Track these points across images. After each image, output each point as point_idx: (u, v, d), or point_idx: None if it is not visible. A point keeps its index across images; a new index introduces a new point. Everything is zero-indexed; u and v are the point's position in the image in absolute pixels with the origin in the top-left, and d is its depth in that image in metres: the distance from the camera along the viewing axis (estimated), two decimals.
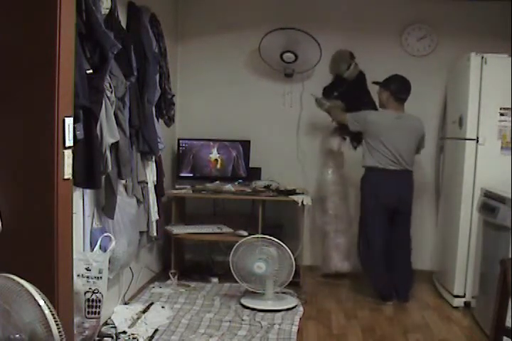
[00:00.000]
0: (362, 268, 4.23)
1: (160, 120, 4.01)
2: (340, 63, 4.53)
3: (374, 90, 4.30)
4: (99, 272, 2.82)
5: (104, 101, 2.82)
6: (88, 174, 2.70)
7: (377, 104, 4.25)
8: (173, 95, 4.11)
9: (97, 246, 2.97)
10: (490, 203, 3.51)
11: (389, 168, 3.98)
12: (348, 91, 4.52)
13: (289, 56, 4.47)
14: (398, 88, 4.02)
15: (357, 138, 4.59)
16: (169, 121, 4.20)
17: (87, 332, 2.83)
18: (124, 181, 3.32)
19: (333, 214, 4.54)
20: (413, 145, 4.08)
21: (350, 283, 4.46)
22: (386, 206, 3.99)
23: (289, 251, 3.73)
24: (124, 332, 3.17)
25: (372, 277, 4.13)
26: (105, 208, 3.13)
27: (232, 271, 3.86)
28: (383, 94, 4.08)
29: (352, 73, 4.49)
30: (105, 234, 3.05)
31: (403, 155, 4.00)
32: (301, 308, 3.79)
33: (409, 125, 4.06)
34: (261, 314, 3.63)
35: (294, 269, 3.73)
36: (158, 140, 3.74)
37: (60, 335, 1.78)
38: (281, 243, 3.74)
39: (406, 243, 4.13)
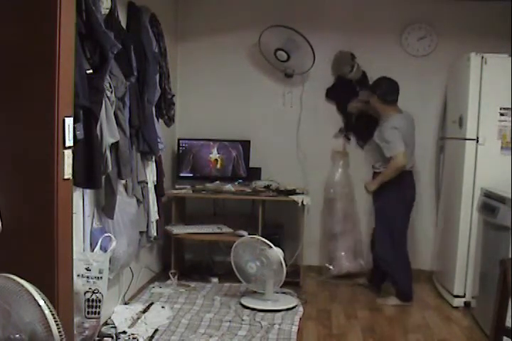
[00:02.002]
0: (388, 270, 4.09)
1: (160, 120, 4.01)
2: (343, 65, 4.52)
3: None
4: (100, 272, 2.82)
5: (104, 101, 2.82)
6: (88, 174, 2.71)
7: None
8: (173, 95, 4.11)
9: (98, 246, 2.97)
10: (490, 203, 3.51)
11: (409, 170, 4.01)
12: (350, 92, 4.53)
13: (281, 54, 4.46)
14: (384, 91, 4.00)
15: (363, 138, 4.60)
16: (169, 121, 4.21)
17: (87, 332, 2.83)
18: (124, 181, 3.32)
19: (342, 215, 4.55)
20: (414, 143, 4.12)
21: (352, 283, 4.45)
22: (409, 206, 4.06)
23: (277, 251, 3.73)
24: (124, 332, 3.17)
25: (400, 278, 4.02)
26: (105, 208, 3.13)
27: (235, 270, 3.89)
28: (372, 100, 4.10)
29: (356, 74, 4.49)
30: (106, 234, 3.05)
31: (413, 155, 4.09)
32: (301, 308, 3.79)
33: (410, 123, 4.10)
34: (261, 314, 3.63)
35: (284, 270, 3.73)
36: (158, 140, 3.74)
37: (60, 335, 1.78)
38: (271, 243, 3.74)
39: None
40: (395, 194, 3.98)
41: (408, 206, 4.07)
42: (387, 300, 4.03)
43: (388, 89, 4.01)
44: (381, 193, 4.04)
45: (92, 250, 2.98)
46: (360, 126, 4.60)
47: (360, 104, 4.42)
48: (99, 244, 2.98)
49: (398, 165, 3.87)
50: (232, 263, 3.91)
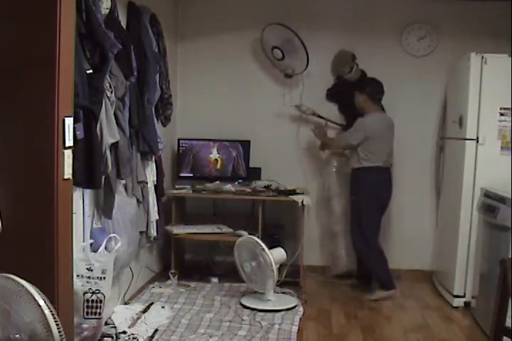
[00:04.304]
0: (365, 263, 4.24)
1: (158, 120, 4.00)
2: (343, 65, 4.53)
3: None
4: (103, 272, 2.81)
5: (104, 101, 2.82)
6: (88, 174, 2.70)
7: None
8: (170, 95, 4.09)
9: (103, 247, 2.96)
10: (490, 203, 3.51)
11: (385, 167, 4.15)
12: (350, 92, 4.52)
13: (277, 53, 4.48)
14: (373, 89, 4.16)
15: None
16: (165, 120, 4.18)
17: (85, 332, 2.82)
18: (123, 181, 3.32)
19: (340, 214, 4.55)
20: (392, 141, 4.27)
21: (350, 283, 4.45)
22: (384, 203, 4.20)
23: (273, 253, 3.73)
24: (124, 332, 3.17)
25: (378, 269, 4.14)
26: (103, 208, 3.13)
27: (238, 269, 3.91)
28: (360, 98, 4.19)
29: (354, 75, 4.49)
30: (112, 235, 3.05)
31: (390, 154, 4.23)
32: (301, 308, 3.79)
33: (391, 124, 4.23)
34: (261, 314, 3.63)
35: (275, 272, 3.71)
36: (159, 140, 3.74)
37: (60, 335, 1.78)
38: (264, 246, 3.73)
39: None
40: (366, 190, 4.11)
41: (380, 202, 4.17)
42: (373, 295, 4.10)
43: (378, 88, 4.17)
44: (355, 188, 4.22)
45: (93, 250, 2.97)
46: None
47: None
48: (103, 244, 2.97)
49: (340, 142, 4.37)
50: (236, 262, 3.91)
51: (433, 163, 4.64)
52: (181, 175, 4.63)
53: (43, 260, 2.22)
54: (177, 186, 4.52)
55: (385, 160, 4.15)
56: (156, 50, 3.75)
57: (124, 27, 3.35)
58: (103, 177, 2.92)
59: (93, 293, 2.81)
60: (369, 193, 4.12)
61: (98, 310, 2.83)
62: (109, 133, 2.91)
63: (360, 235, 4.16)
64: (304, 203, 4.20)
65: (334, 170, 4.59)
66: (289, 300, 3.88)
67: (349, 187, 4.35)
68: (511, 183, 3.44)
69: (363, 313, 3.82)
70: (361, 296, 4.15)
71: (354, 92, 4.22)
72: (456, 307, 3.89)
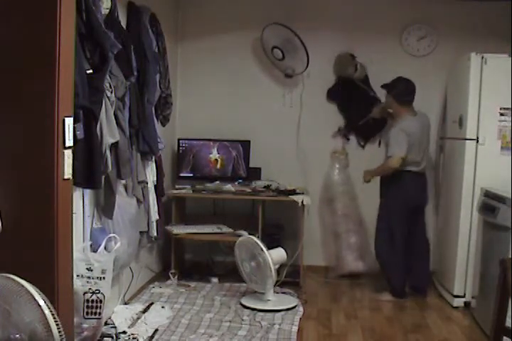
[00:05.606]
0: (382, 266, 4.16)
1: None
2: (347, 67, 4.52)
3: (379, 88, 4.31)
4: (102, 272, 2.81)
5: (104, 101, 2.82)
6: (88, 174, 2.71)
7: (382, 101, 4.31)
8: (169, 94, 4.08)
9: (102, 247, 2.96)
10: (490, 203, 3.51)
11: (415, 170, 4.02)
12: (353, 91, 4.53)
13: (277, 52, 4.48)
14: (398, 91, 3.99)
15: (364, 136, 4.59)
16: (164, 120, 4.19)
17: (85, 332, 2.82)
18: (124, 181, 3.32)
19: (343, 214, 4.54)
20: (428, 144, 4.16)
21: (351, 283, 4.45)
22: (411, 207, 4.05)
23: (267, 253, 3.71)
24: (124, 332, 3.17)
25: (393, 276, 4.09)
26: (104, 208, 3.13)
27: (239, 269, 3.90)
28: (388, 100, 4.08)
29: (361, 73, 4.49)
30: (111, 235, 3.05)
31: (424, 156, 4.08)
32: (301, 308, 3.79)
33: (425, 124, 4.10)
34: (261, 314, 3.63)
35: (274, 273, 3.70)
36: (158, 140, 3.74)
37: (60, 335, 1.78)
38: (262, 246, 3.72)
39: (426, 242, 4.25)
40: (396, 193, 4.00)
41: (409, 207, 4.03)
42: (380, 295, 4.09)
43: (404, 90, 4.00)
44: (386, 191, 4.10)
45: (93, 250, 2.97)
46: (364, 127, 4.58)
47: (382, 110, 4.35)
48: (103, 244, 2.97)
49: (390, 166, 3.94)
50: (237, 262, 3.91)
51: (433, 163, 4.64)
52: (181, 175, 4.63)
53: (43, 260, 2.22)
54: (177, 186, 4.52)
55: (416, 164, 3.99)
56: (156, 50, 3.75)
57: (124, 27, 3.35)
58: (103, 177, 2.92)
59: (93, 293, 2.81)
60: (398, 196, 4.00)
61: (98, 310, 2.83)
62: (109, 133, 2.91)
63: (384, 241, 4.06)
64: (304, 203, 4.20)
65: (337, 170, 4.59)
66: (289, 300, 3.88)
67: (380, 189, 4.17)
68: (511, 183, 3.45)
69: (363, 313, 3.82)
70: (362, 296, 4.15)
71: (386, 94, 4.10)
72: (456, 307, 3.89)
